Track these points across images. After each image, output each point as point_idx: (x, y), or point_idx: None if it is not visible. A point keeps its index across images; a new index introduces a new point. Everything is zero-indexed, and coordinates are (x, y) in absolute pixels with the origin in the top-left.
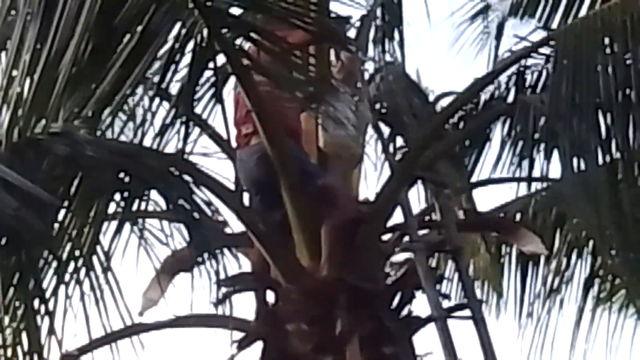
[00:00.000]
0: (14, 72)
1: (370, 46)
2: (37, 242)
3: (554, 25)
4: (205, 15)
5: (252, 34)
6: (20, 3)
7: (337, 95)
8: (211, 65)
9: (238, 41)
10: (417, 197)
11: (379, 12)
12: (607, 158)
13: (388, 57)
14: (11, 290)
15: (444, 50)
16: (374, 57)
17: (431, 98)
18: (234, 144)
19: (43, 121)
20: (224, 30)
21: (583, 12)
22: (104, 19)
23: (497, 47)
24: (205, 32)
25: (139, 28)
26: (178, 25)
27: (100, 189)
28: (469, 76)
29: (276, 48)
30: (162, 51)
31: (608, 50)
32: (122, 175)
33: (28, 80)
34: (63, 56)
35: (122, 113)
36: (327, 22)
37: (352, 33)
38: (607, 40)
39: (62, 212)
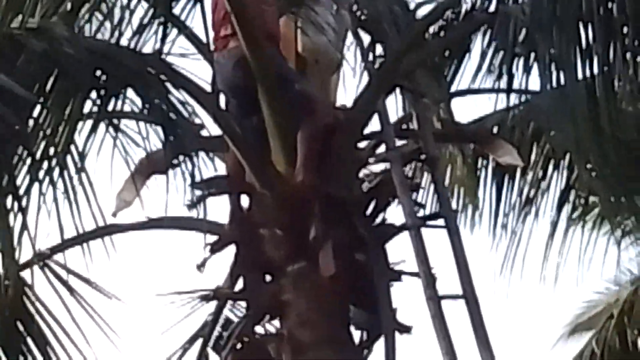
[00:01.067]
0: None
1: None
2: (11, 138)
3: None
4: None
5: None
6: None
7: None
8: None
9: None
10: (394, 106)
11: None
12: (587, 72)
13: None
14: None
15: None
16: None
17: (412, 7)
18: (212, 46)
19: (20, 16)
20: None
21: None
22: None
23: None
24: None
25: None
26: None
27: (76, 87)
28: None
29: None
30: None
31: None
32: (98, 73)
33: None
34: None
35: (99, 12)
36: None
37: None
38: None
39: (37, 109)
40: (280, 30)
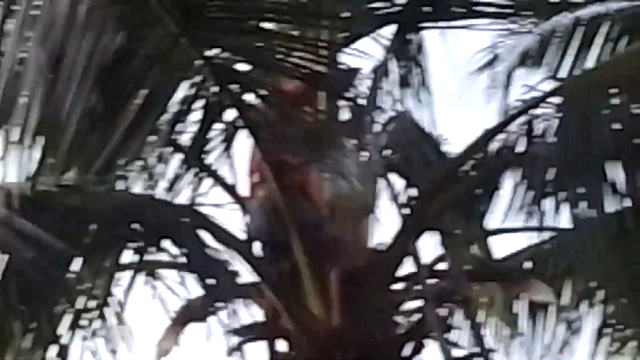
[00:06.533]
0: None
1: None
2: (52, 290)
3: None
4: (214, 72)
5: (259, 90)
6: (30, 56)
7: (342, 147)
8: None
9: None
10: (427, 246)
11: (392, 63)
12: (617, 207)
13: (399, 107)
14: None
15: (454, 102)
16: (385, 107)
17: (443, 146)
18: (245, 193)
19: (56, 174)
20: (233, 86)
21: (590, 62)
22: (115, 71)
23: (505, 97)
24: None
25: (150, 81)
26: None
27: (112, 240)
28: (479, 125)
29: (282, 103)
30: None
31: (617, 100)
32: (134, 225)
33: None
34: (74, 109)
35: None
36: (337, 76)
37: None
38: (614, 90)
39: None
40: (312, 179)
